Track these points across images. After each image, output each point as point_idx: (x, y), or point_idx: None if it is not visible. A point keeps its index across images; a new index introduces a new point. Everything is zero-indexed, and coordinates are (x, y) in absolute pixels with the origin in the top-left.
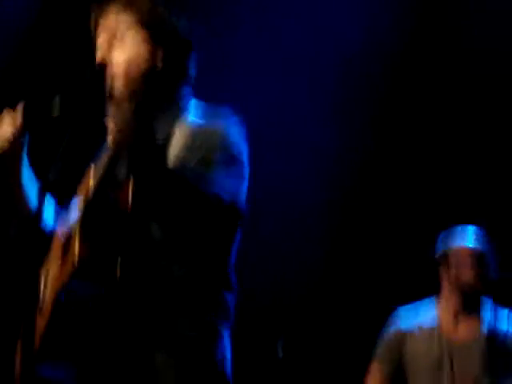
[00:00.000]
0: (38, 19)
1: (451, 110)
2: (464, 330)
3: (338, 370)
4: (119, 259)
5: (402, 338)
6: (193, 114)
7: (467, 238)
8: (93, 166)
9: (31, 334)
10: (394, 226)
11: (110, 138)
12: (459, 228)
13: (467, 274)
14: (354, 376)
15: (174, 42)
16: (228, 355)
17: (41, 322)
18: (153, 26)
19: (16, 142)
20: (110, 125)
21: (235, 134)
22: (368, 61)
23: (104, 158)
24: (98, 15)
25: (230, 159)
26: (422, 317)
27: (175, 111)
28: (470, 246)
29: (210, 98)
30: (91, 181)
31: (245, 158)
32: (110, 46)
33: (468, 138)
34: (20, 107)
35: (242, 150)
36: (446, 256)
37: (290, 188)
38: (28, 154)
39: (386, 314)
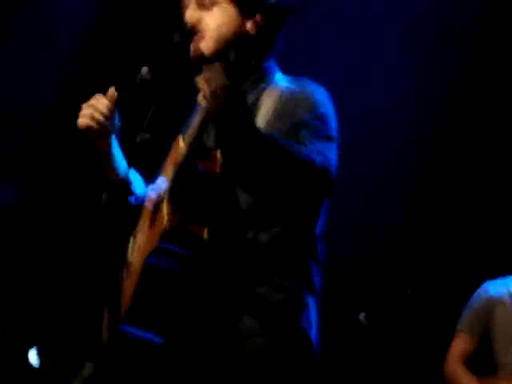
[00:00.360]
0: None
1: None
2: None
3: (419, 339)
4: (207, 225)
5: (492, 305)
6: (280, 82)
7: None
8: (181, 134)
9: (118, 297)
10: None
11: (201, 101)
12: None
13: None
14: (436, 345)
15: (265, 14)
16: (314, 324)
17: (129, 286)
18: (242, 3)
19: (108, 122)
20: (201, 86)
21: (324, 97)
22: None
23: (193, 125)
24: None
25: (322, 123)
26: (511, 284)
27: (263, 78)
28: None
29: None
30: (180, 149)
31: (334, 121)
32: (200, 9)
33: None
34: (112, 91)
35: (331, 112)
36: None
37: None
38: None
39: (471, 290)
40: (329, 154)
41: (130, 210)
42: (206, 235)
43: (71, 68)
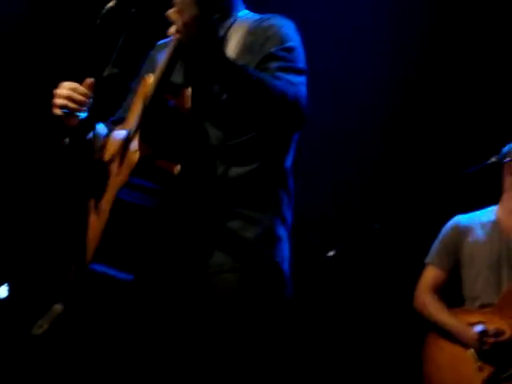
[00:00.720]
0: None
1: None
2: None
3: (388, 274)
4: (178, 160)
5: (462, 236)
6: (246, 17)
7: None
8: (149, 73)
9: (85, 236)
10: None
11: (172, 33)
12: None
13: None
14: (405, 280)
15: None
16: (286, 257)
17: (99, 224)
18: None
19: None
20: (173, 17)
21: (292, 30)
22: None
23: (163, 61)
24: None
25: (291, 55)
26: (482, 216)
27: (229, 13)
28: None
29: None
30: (149, 85)
31: (303, 53)
32: None
33: None
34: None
35: (300, 45)
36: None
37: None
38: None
39: (440, 224)
40: (299, 85)
41: (92, 151)
42: (176, 170)
43: None
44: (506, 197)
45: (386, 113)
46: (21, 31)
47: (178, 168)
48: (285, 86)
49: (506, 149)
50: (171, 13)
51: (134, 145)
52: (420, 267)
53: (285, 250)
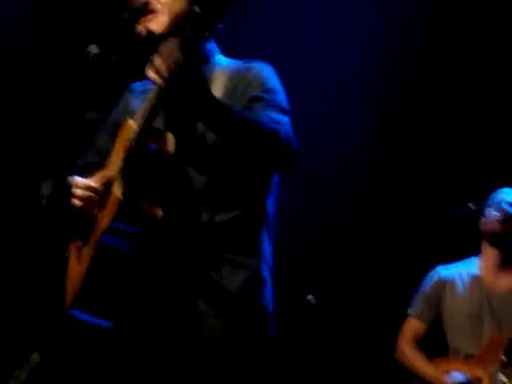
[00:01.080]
0: None
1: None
2: (504, 281)
3: (368, 316)
4: (160, 204)
5: (442, 288)
6: (224, 63)
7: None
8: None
9: (63, 279)
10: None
11: (156, 78)
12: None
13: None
14: (388, 329)
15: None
16: (270, 298)
17: (80, 270)
18: None
19: None
20: (158, 63)
21: (271, 73)
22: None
23: (145, 105)
24: None
25: (273, 96)
26: (463, 268)
27: (207, 59)
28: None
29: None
30: (130, 129)
31: (284, 95)
32: None
33: None
34: None
35: (281, 87)
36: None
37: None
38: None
39: (422, 272)
40: (286, 124)
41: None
42: (159, 214)
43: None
44: (485, 249)
45: (368, 158)
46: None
47: (161, 212)
48: (274, 124)
49: (488, 200)
50: (156, 58)
51: (116, 189)
52: (400, 308)
53: (269, 292)
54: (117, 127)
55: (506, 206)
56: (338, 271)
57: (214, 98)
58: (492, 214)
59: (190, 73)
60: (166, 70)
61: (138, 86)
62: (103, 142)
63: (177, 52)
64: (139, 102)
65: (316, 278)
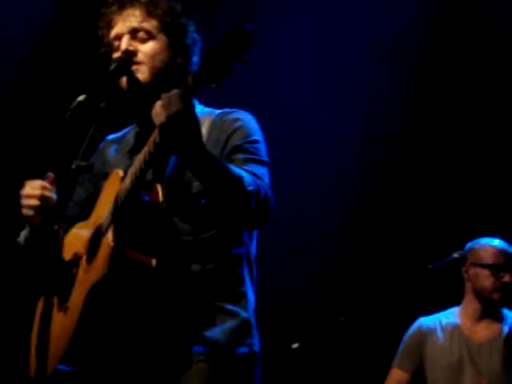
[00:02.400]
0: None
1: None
2: (484, 330)
3: (352, 366)
4: (153, 254)
5: (423, 337)
6: (205, 111)
7: (492, 241)
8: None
9: (47, 332)
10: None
11: (157, 126)
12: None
13: (487, 283)
14: (371, 378)
15: (189, 49)
16: (258, 344)
17: (67, 321)
18: (173, 35)
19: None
20: (158, 112)
21: (254, 123)
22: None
23: (139, 157)
24: (113, 14)
25: (255, 149)
26: (444, 318)
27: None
28: (495, 245)
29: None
30: (119, 179)
31: (265, 146)
32: (134, 41)
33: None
34: (51, 176)
35: (262, 138)
36: (468, 258)
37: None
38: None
39: (405, 323)
40: (266, 178)
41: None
42: (153, 263)
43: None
44: (466, 299)
45: (350, 210)
46: None
47: (154, 261)
48: (255, 180)
49: (466, 248)
50: (157, 106)
51: (109, 239)
52: (383, 360)
53: (257, 337)
54: (95, 177)
55: (487, 254)
56: (322, 321)
57: (204, 148)
58: (474, 262)
59: (189, 122)
60: (166, 118)
61: (111, 136)
62: (81, 194)
63: (179, 101)
64: (114, 152)
65: (301, 327)
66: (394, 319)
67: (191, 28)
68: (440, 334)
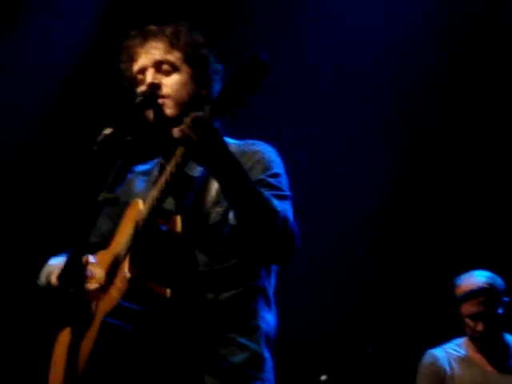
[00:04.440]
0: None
1: None
2: (493, 361)
3: None
4: (169, 284)
5: (440, 369)
6: (229, 141)
7: (470, 281)
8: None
9: (75, 355)
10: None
11: (184, 148)
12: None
13: (468, 331)
14: None
15: (211, 79)
16: (272, 376)
17: (86, 345)
18: (197, 66)
19: None
20: (186, 132)
21: (275, 156)
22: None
23: (157, 187)
24: (135, 47)
25: (278, 182)
26: (453, 350)
27: None
28: (471, 291)
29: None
30: (139, 209)
31: (287, 179)
32: (159, 74)
33: None
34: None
35: (284, 171)
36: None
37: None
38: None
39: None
40: (290, 214)
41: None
42: (168, 293)
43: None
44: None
45: (371, 242)
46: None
47: (169, 291)
48: (285, 210)
49: (455, 284)
50: (183, 128)
51: (125, 268)
52: None
53: (271, 370)
54: (120, 208)
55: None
56: (350, 352)
57: (232, 155)
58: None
59: (222, 141)
60: (195, 139)
61: (139, 167)
62: (105, 224)
63: (208, 124)
64: (142, 183)
65: (328, 359)
66: (420, 350)
67: (213, 58)
68: (455, 365)
